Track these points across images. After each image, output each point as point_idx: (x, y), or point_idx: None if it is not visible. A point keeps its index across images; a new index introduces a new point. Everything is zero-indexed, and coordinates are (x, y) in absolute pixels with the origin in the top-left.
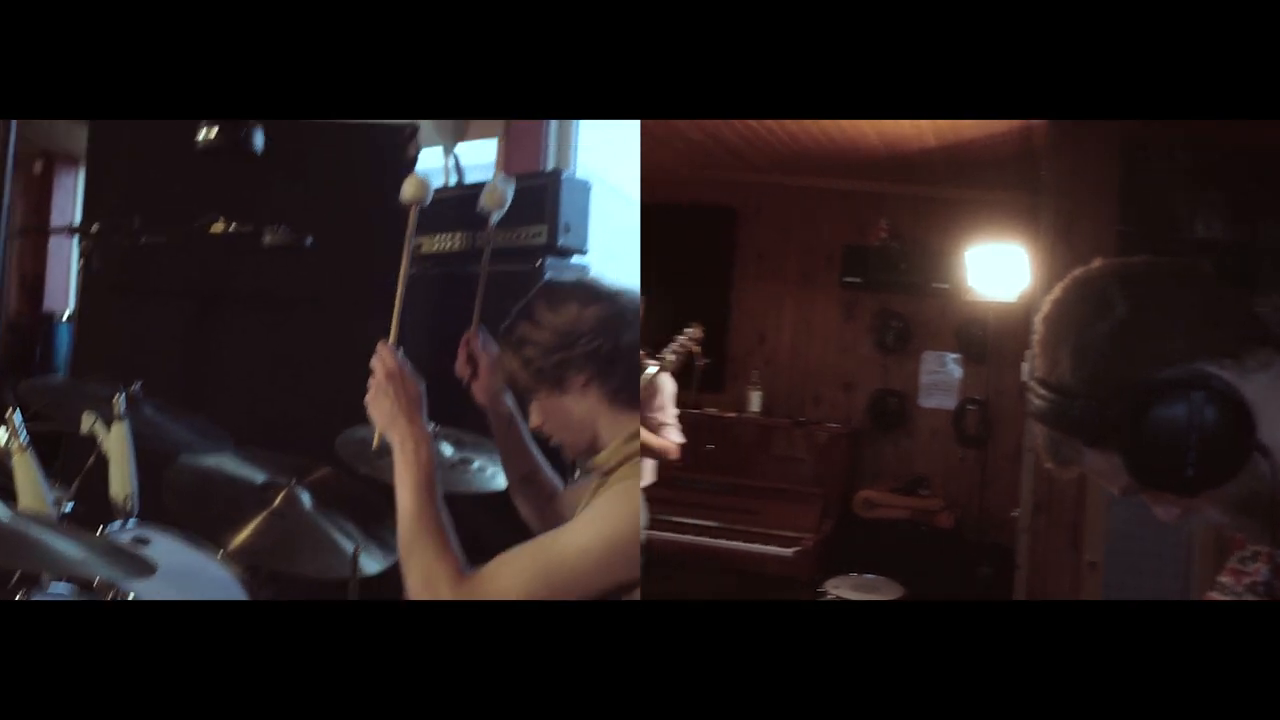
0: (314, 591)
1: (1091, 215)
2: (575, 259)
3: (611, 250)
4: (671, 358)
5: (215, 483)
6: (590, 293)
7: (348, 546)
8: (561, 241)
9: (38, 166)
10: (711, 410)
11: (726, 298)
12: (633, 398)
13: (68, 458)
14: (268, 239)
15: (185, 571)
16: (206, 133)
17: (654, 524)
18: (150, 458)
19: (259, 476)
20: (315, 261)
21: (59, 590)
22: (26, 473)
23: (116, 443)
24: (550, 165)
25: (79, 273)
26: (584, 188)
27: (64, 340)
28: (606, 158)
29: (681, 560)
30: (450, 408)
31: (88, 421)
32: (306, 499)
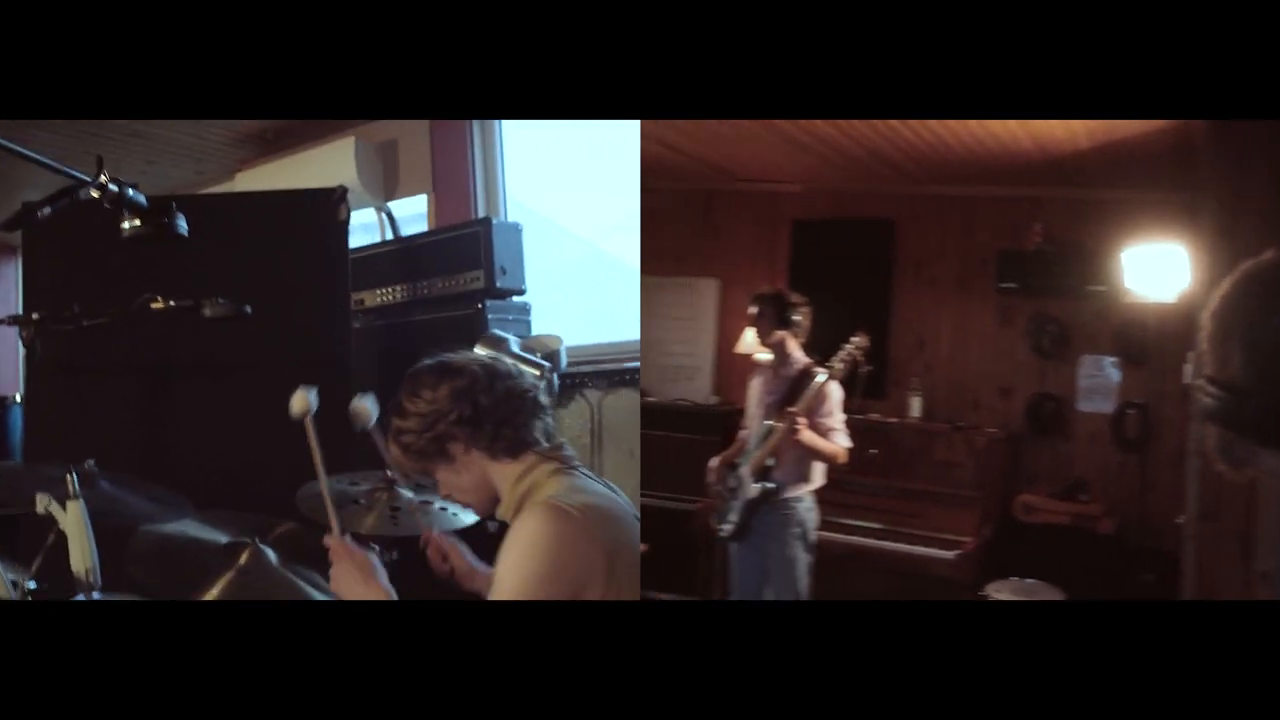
0: None
1: (1255, 211)
2: (515, 299)
3: (556, 281)
4: (839, 366)
5: (179, 547)
6: (441, 372)
7: (318, 598)
8: (499, 284)
9: None
10: (874, 415)
11: (886, 307)
12: (510, 446)
13: (29, 540)
14: (207, 311)
15: None
16: (130, 224)
17: (824, 525)
18: (112, 531)
19: (222, 537)
20: (256, 327)
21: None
22: None
23: (73, 520)
24: (480, 213)
25: (24, 359)
26: (515, 230)
27: (16, 424)
28: (534, 191)
29: (849, 560)
30: None
31: (42, 502)
32: (272, 555)
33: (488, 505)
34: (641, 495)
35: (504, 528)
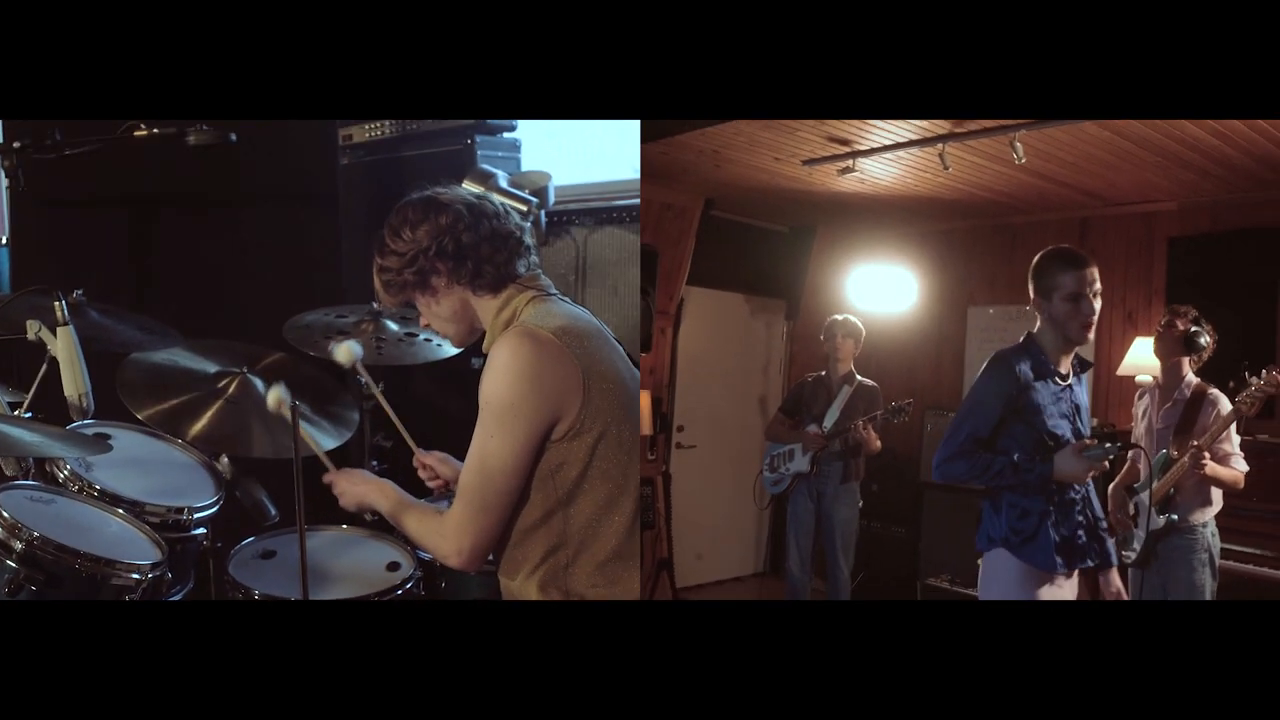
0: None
1: None
2: (505, 136)
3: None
4: (1250, 403)
5: (168, 375)
6: (425, 208)
7: (304, 427)
8: (489, 120)
9: None
10: (1263, 436)
11: (1274, 322)
12: (491, 283)
13: (20, 368)
14: (192, 139)
15: (150, 459)
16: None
17: (1224, 554)
18: (102, 359)
19: (211, 367)
20: (245, 159)
21: None
22: None
23: (64, 346)
24: None
25: (7, 191)
26: None
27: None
28: None
29: (1243, 588)
30: None
31: (33, 329)
32: (259, 384)
33: (467, 336)
34: None
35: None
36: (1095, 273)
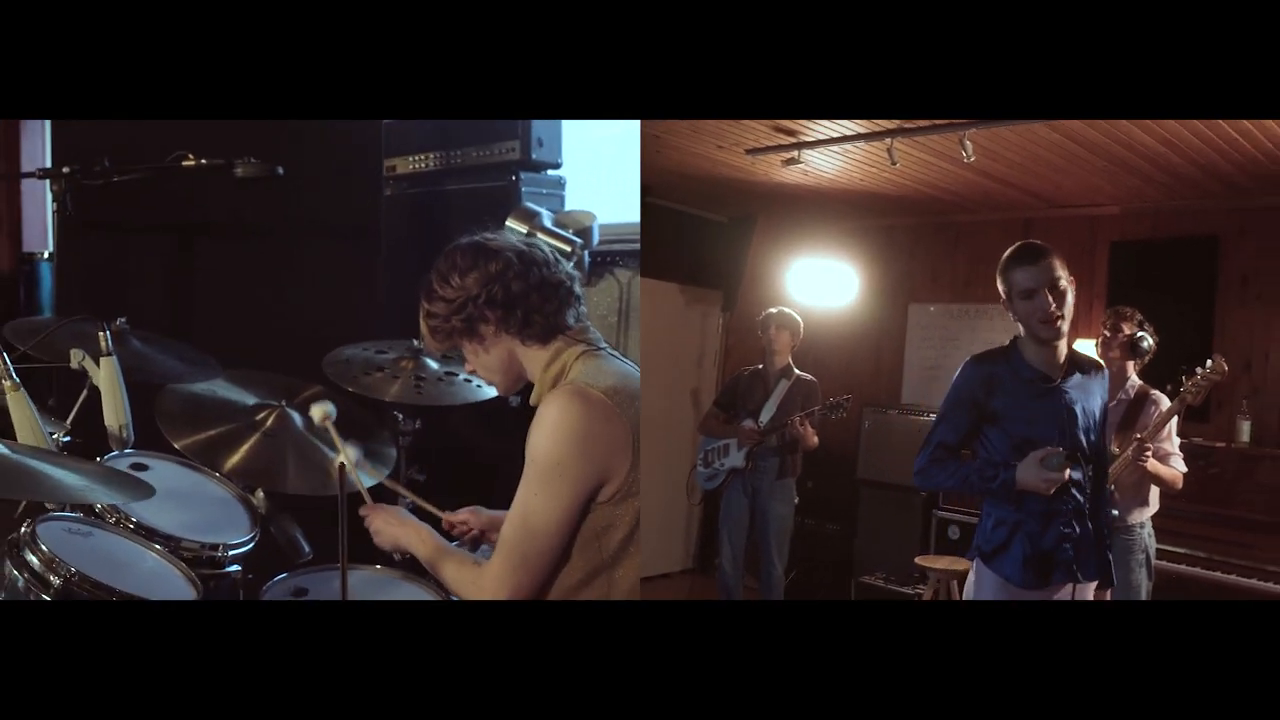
0: (306, 511)
1: None
2: (550, 173)
3: (588, 162)
4: (1194, 392)
5: (207, 405)
6: (475, 254)
7: (349, 460)
8: (535, 156)
9: None
10: (1197, 439)
11: (1209, 327)
12: (540, 333)
13: (60, 395)
14: (239, 171)
15: (186, 492)
16: (243, 169)
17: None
18: (141, 389)
19: (250, 399)
20: (290, 190)
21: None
22: (21, 410)
23: (107, 376)
24: None
25: (54, 214)
26: None
27: (46, 281)
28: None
29: (1172, 589)
30: None
31: (76, 357)
32: (297, 418)
33: (513, 385)
34: (965, 514)
35: (525, 403)
36: (1053, 265)
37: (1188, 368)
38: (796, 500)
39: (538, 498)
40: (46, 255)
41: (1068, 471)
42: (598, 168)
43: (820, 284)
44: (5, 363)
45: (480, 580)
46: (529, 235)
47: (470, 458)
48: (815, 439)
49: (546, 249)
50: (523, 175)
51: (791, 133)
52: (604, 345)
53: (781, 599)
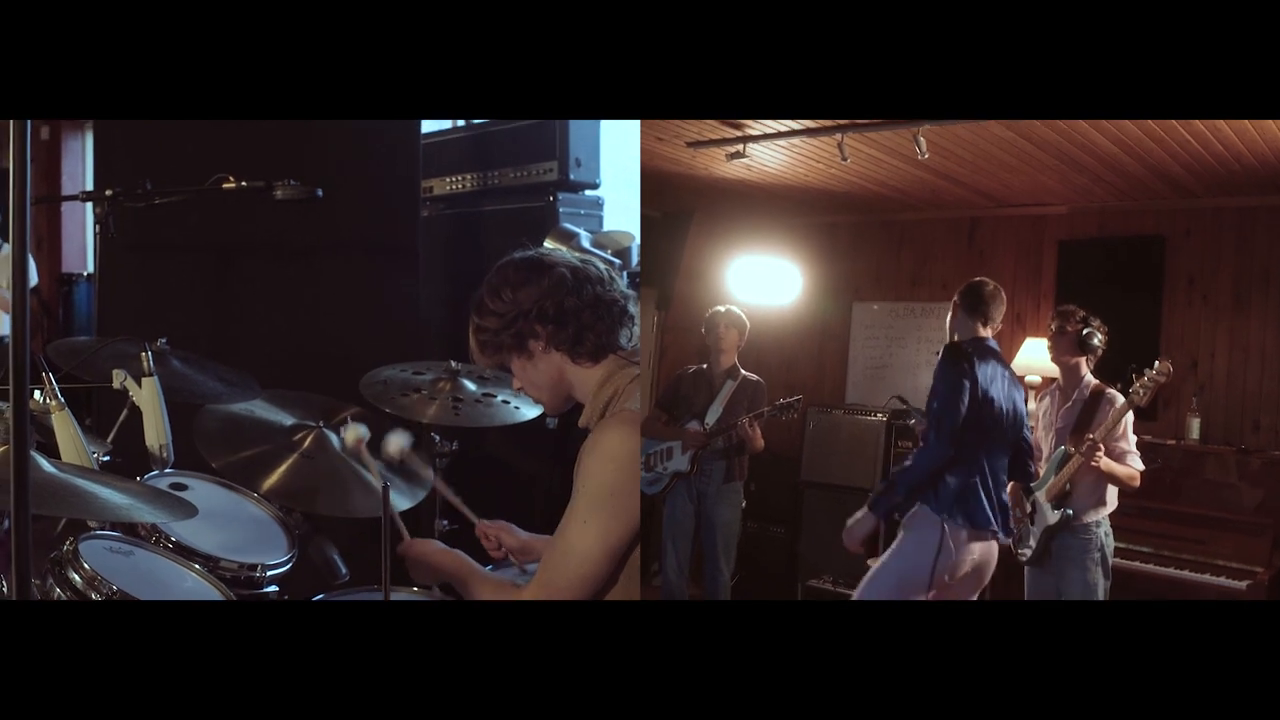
0: (342, 532)
1: None
2: (588, 193)
3: (631, 176)
4: (1142, 393)
5: (245, 427)
6: (529, 269)
7: (377, 485)
8: (573, 176)
9: (45, 132)
10: (1146, 437)
11: (1156, 326)
12: (592, 351)
13: (100, 414)
14: (279, 193)
15: (225, 512)
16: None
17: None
18: (180, 409)
19: (287, 420)
20: (328, 210)
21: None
22: (66, 429)
23: (148, 396)
24: None
25: (96, 236)
26: (593, 121)
27: (84, 301)
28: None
29: (1126, 586)
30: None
31: (118, 378)
32: (335, 439)
33: (561, 405)
34: None
35: (562, 425)
36: None
37: (1136, 367)
38: (744, 504)
39: (587, 525)
40: (85, 275)
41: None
42: (636, 188)
43: (762, 282)
44: (51, 382)
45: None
46: None
47: (507, 479)
48: (762, 441)
49: (602, 266)
50: (561, 196)
51: (738, 125)
52: None
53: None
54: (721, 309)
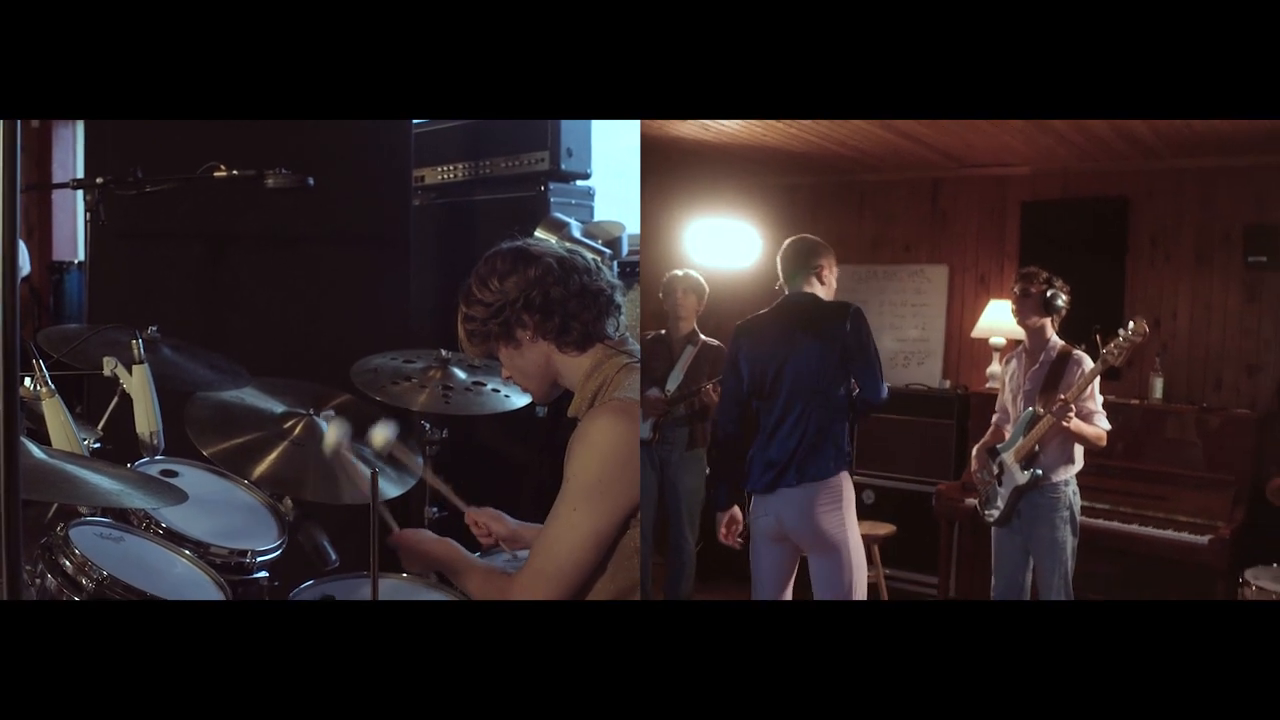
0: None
1: None
2: (579, 183)
3: (622, 166)
4: (1117, 353)
5: (235, 413)
6: (515, 259)
7: (367, 471)
8: (564, 166)
9: (35, 121)
10: (1110, 397)
11: (1120, 286)
12: (579, 340)
13: (91, 401)
14: (270, 182)
15: (215, 499)
16: (273, 180)
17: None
18: (171, 396)
19: (278, 407)
20: (320, 199)
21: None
22: (56, 416)
23: (139, 384)
24: None
25: (86, 224)
26: None
27: (75, 288)
28: None
29: (1094, 543)
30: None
31: (109, 365)
32: (325, 427)
33: (549, 393)
34: (881, 478)
35: (552, 414)
36: None
37: (1101, 327)
38: (708, 471)
39: (577, 513)
40: (76, 263)
41: None
42: (627, 177)
43: (720, 245)
44: (42, 370)
45: (508, 593)
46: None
47: (496, 467)
48: None
49: (589, 257)
50: (552, 185)
51: None
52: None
53: (693, 573)
54: (679, 273)
